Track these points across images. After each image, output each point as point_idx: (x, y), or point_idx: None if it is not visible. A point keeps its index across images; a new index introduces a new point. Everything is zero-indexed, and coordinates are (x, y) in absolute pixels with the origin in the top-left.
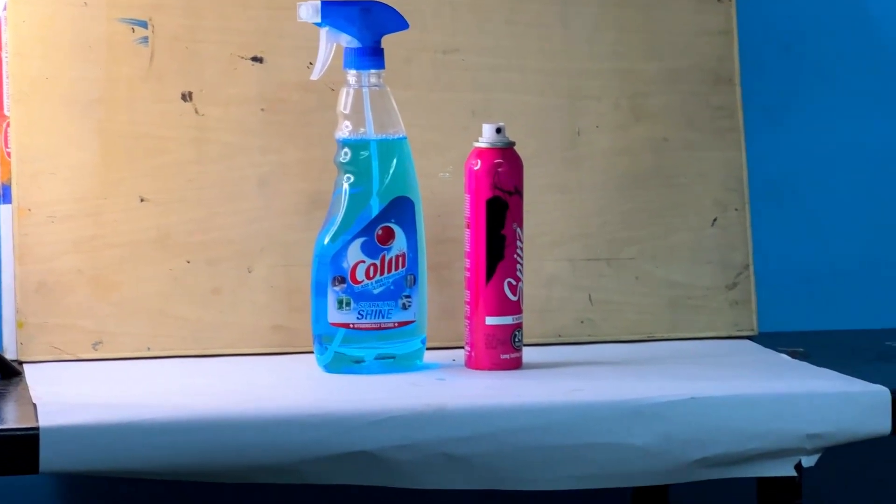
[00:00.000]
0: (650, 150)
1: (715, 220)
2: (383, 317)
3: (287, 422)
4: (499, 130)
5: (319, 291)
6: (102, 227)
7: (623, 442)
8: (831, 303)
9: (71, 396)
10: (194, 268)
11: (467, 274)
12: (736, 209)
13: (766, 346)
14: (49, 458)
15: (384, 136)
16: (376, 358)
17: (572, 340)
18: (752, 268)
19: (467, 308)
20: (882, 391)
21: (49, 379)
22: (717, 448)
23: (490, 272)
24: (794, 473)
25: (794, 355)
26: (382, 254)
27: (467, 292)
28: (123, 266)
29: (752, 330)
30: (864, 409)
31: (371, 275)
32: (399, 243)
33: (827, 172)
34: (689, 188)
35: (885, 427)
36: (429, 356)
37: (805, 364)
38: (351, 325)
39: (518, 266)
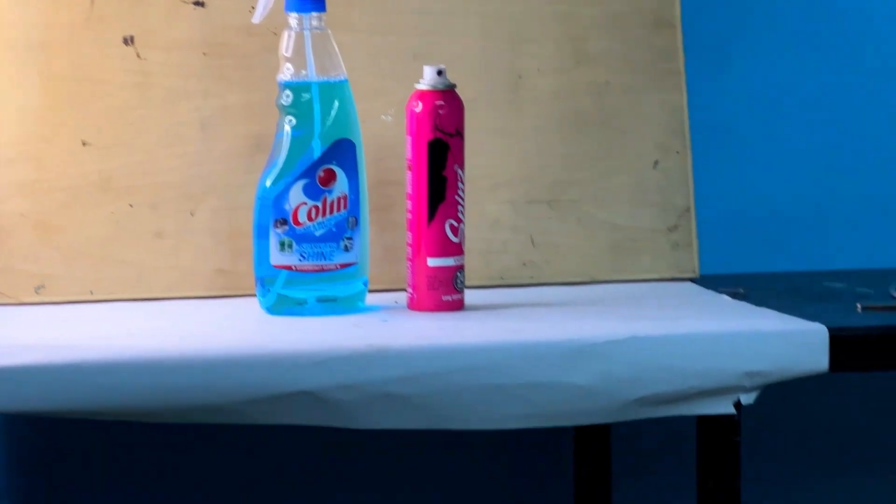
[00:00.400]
0: (592, 94)
1: (656, 162)
2: (325, 259)
3: (229, 362)
4: (440, 73)
5: (261, 234)
6: (45, 170)
7: (564, 381)
8: (772, 245)
9: (13, 339)
10: (137, 212)
11: (409, 216)
12: (677, 152)
13: (707, 287)
14: None
15: (326, 78)
16: (318, 300)
17: (514, 283)
18: (693, 210)
19: (409, 250)
20: (820, 329)
21: None
22: (657, 386)
23: (431, 213)
24: (734, 411)
25: (734, 296)
26: (324, 196)
27: (409, 234)
28: (66, 210)
29: (694, 272)
30: (802, 347)
31: (313, 217)
32: (341, 185)
33: (767, 115)
34: (631, 131)
35: (822, 364)
36: (371, 298)
37: (745, 304)
38: (293, 267)
39: (459, 208)
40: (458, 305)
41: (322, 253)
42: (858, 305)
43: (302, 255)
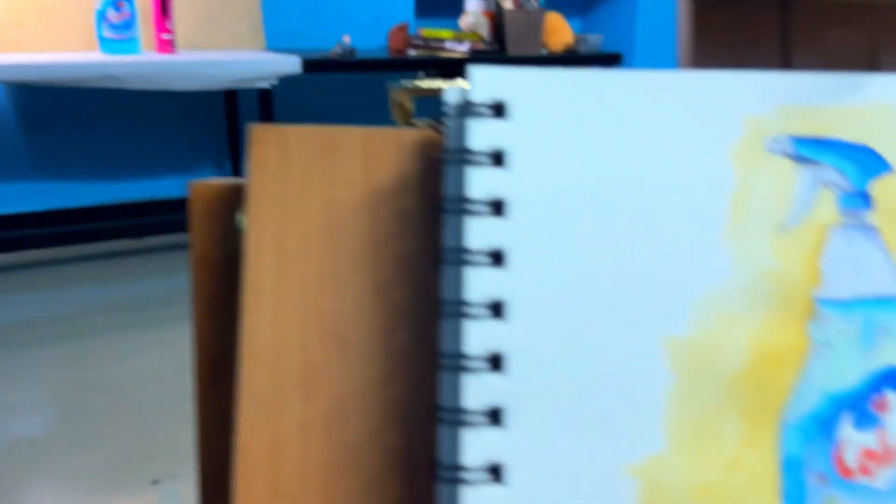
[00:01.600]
0: None
1: None
2: None
3: None
4: None
5: None
6: None
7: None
8: (325, 25)
9: None
10: None
11: None
12: None
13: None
14: None
15: None
16: None
17: None
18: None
19: None
20: (297, 58)
21: None
22: (241, 76)
23: None
24: (268, 86)
25: (273, 50)
26: None
27: None
28: None
29: (263, 44)
30: (292, 65)
31: None
32: None
33: None
34: None
35: (298, 70)
36: None
37: (278, 55)
38: None
39: None
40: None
41: None
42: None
43: None
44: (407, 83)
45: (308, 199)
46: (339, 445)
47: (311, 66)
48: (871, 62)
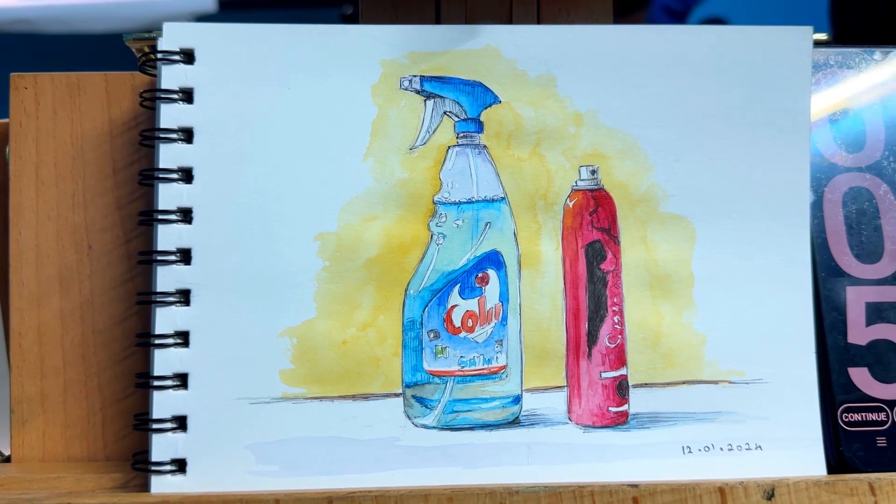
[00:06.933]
0: None
1: None
2: None
3: None
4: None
5: None
6: None
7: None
8: None
9: None
10: None
11: None
12: None
13: None
14: None
15: None
16: None
17: None
18: None
19: None
20: None
21: None
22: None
23: None
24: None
25: None
26: None
27: None
28: None
29: None
30: None
31: None
32: None
33: None
34: None
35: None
36: None
37: None
38: None
39: None
40: None
41: None
42: None
43: None
44: (141, 34)
45: (59, 132)
46: (91, 330)
47: (227, 4)
48: (508, 13)
